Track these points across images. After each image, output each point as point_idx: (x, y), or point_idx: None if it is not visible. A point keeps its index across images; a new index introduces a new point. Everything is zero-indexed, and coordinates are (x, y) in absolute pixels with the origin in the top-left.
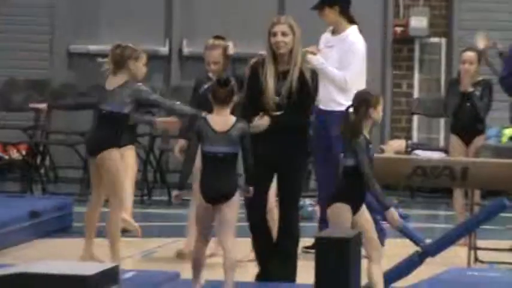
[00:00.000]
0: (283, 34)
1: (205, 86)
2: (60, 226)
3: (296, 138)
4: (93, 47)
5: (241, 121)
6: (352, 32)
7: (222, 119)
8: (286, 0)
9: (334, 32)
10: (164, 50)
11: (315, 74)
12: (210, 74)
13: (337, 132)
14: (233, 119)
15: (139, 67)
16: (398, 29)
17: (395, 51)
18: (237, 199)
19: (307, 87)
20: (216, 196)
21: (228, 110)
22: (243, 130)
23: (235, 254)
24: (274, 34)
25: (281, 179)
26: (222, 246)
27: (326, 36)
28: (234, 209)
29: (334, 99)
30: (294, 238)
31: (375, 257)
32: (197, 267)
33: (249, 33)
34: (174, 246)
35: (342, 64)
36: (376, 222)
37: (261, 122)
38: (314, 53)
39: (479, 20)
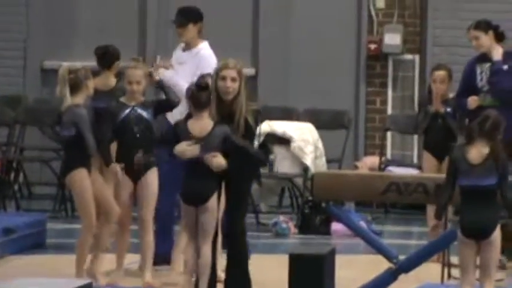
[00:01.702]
0: (233, 80)
1: (127, 111)
2: (34, 243)
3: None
4: (67, 63)
5: (220, 125)
6: (205, 47)
7: (200, 124)
8: (260, 18)
9: (186, 48)
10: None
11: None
12: (123, 99)
13: None
14: (211, 123)
15: (91, 85)
16: (372, 46)
17: (369, 68)
18: (214, 203)
19: (251, 130)
20: (192, 199)
21: (207, 114)
22: (224, 134)
23: (208, 258)
24: (223, 78)
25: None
26: (199, 250)
27: (177, 53)
28: (211, 213)
29: None
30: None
31: None
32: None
33: (222, 51)
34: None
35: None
36: None
37: (190, 149)
38: (166, 67)
39: (453, 37)
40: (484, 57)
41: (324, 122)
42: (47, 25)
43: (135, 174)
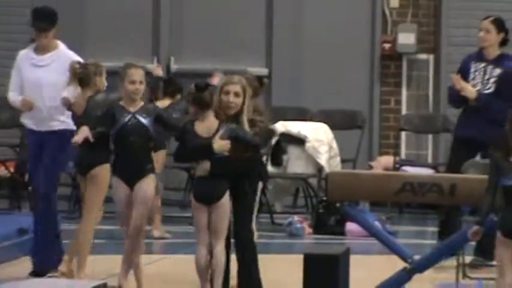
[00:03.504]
0: (236, 95)
1: (127, 118)
2: None
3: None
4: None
5: (225, 123)
6: (64, 47)
7: (207, 124)
8: (274, 19)
9: (45, 50)
10: (152, 67)
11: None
12: (121, 101)
13: None
14: (217, 122)
15: (102, 81)
16: (386, 46)
17: (383, 68)
18: (227, 202)
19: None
20: (205, 198)
21: (211, 113)
22: (230, 131)
23: (222, 259)
24: (227, 93)
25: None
26: (212, 250)
27: (29, 55)
28: (223, 212)
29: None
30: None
31: None
32: (203, 276)
33: (236, 51)
34: (161, 263)
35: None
36: None
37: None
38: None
39: (467, 37)
40: (480, 56)
41: (339, 122)
42: (60, 27)
43: (131, 180)
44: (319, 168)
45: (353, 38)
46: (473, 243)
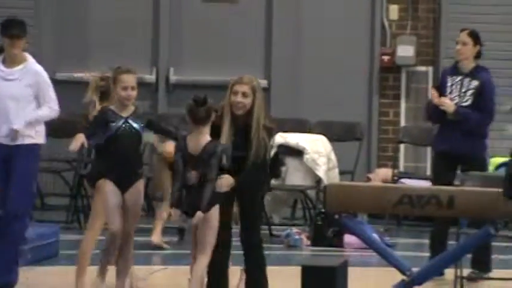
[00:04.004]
0: (244, 95)
1: (120, 123)
2: (47, 254)
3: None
4: (79, 75)
5: (213, 141)
6: (33, 61)
7: (197, 140)
8: (273, 30)
9: (12, 63)
10: (151, 78)
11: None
12: (113, 106)
13: None
14: (207, 140)
15: None
16: (385, 58)
17: (382, 80)
18: (213, 215)
19: (263, 146)
20: (190, 210)
21: (206, 130)
22: (213, 150)
23: (203, 269)
24: (235, 93)
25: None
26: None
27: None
28: (209, 225)
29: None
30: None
31: None
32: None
33: (235, 63)
34: (161, 273)
35: (43, 98)
36: None
37: (225, 181)
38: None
39: None
40: (456, 70)
41: (337, 133)
42: (60, 36)
43: (123, 184)
44: (318, 180)
45: (352, 50)
46: (470, 255)
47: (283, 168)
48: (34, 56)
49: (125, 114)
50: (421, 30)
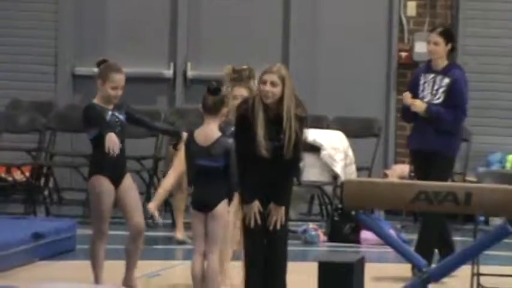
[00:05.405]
0: (272, 84)
1: (109, 116)
2: (64, 248)
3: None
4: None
5: (225, 137)
6: None
7: (206, 132)
8: (291, 27)
9: None
10: (169, 73)
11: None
12: (96, 101)
13: None
14: (217, 134)
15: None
16: (403, 54)
17: (400, 76)
18: (222, 211)
19: (296, 136)
20: (201, 205)
21: (216, 121)
22: (225, 147)
23: (216, 268)
24: (264, 82)
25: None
26: (207, 257)
27: None
28: (218, 221)
29: None
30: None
31: None
32: (197, 284)
33: (253, 58)
34: (178, 269)
35: None
36: None
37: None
38: None
39: (483, 46)
40: (429, 68)
41: (354, 130)
42: (78, 31)
43: (116, 178)
44: (335, 176)
45: (369, 46)
46: (488, 252)
47: (301, 164)
48: (54, 51)
49: (110, 107)
50: (439, 26)
